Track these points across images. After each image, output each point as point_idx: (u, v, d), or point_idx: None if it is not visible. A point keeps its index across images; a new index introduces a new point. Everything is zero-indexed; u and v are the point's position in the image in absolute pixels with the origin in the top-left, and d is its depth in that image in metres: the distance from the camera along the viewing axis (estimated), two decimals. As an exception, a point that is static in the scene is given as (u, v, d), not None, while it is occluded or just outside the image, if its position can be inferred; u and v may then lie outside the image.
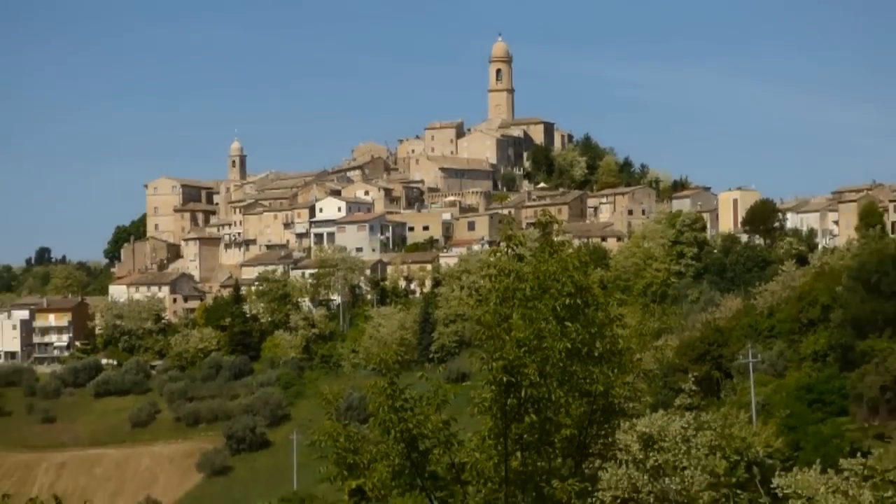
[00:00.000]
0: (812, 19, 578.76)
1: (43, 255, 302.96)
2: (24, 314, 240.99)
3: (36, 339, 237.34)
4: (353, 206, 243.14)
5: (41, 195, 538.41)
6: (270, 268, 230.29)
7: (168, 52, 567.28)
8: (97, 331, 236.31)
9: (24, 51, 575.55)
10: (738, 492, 44.47)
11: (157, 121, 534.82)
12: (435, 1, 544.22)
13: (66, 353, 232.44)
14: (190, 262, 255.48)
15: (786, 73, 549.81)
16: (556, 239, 27.84)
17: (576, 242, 39.62)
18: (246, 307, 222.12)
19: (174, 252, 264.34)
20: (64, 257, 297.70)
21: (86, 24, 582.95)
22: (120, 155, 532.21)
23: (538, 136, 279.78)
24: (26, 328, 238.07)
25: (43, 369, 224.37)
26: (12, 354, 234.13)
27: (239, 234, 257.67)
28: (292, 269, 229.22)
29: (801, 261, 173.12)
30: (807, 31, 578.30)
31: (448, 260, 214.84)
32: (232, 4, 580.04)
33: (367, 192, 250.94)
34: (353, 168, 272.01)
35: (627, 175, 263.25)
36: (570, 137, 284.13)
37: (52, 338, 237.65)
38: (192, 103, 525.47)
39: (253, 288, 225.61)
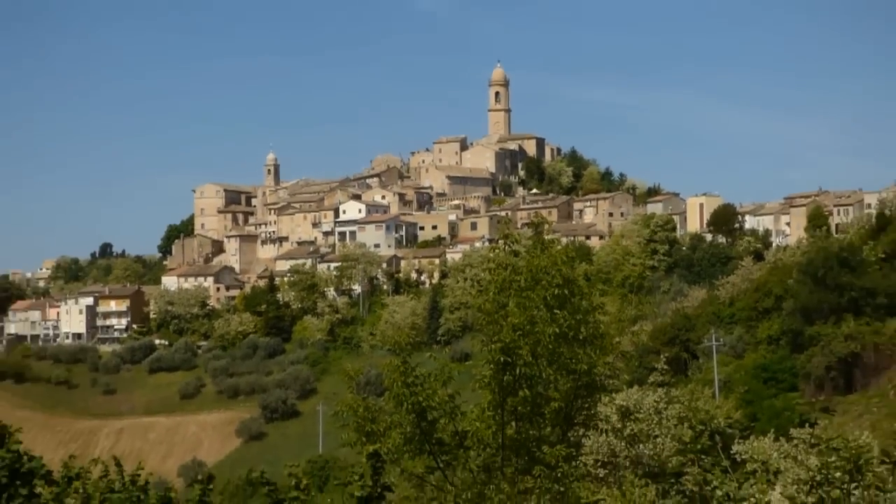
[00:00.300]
0: (770, 48, 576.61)
1: (105, 249, 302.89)
2: (89, 301, 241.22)
3: (99, 323, 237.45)
4: (371, 208, 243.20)
5: (105, 198, 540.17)
6: (300, 261, 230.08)
7: (213, 77, 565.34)
8: (151, 315, 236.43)
9: (93, 75, 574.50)
10: (702, 457, 44.16)
11: (204, 135, 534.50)
12: (443, 32, 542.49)
13: (124, 335, 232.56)
14: (231, 257, 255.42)
15: (746, 94, 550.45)
16: (546, 237, 27.84)
17: (563, 240, 39.15)
18: (279, 295, 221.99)
19: (217, 247, 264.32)
20: (123, 251, 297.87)
21: (151, 57, 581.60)
22: (172, 164, 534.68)
23: (531, 149, 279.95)
24: (91, 313, 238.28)
25: (105, 348, 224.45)
26: (79, 335, 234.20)
27: (273, 232, 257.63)
28: (319, 262, 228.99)
29: (758, 257, 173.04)
30: (766, 58, 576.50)
31: (453, 255, 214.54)
32: (266, 38, 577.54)
33: (383, 197, 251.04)
34: (372, 176, 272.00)
35: (608, 183, 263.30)
36: (559, 150, 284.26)
37: (113, 321, 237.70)
38: (234, 120, 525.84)
39: (285, 279, 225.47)
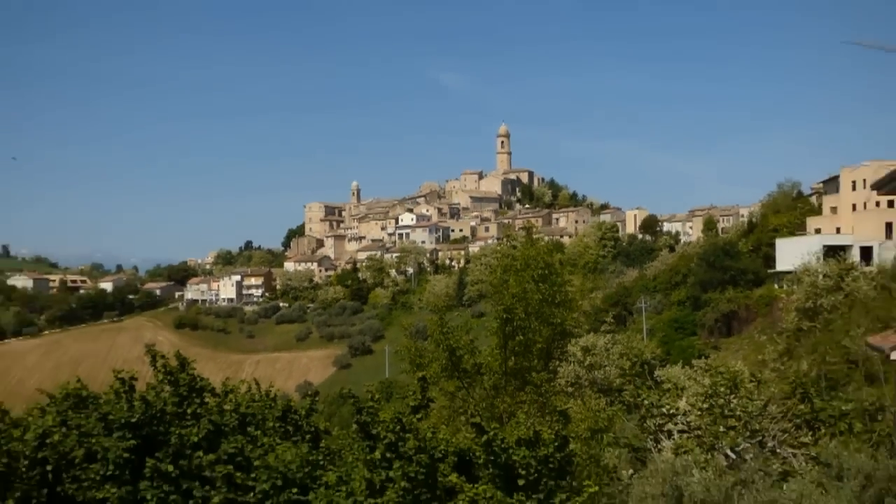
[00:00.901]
0: (678, 116, 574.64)
1: (249, 244, 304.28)
2: (238, 278, 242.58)
3: (244, 292, 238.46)
4: (419, 217, 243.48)
5: (248, 209, 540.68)
6: (373, 252, 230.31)
7: (317, 127, 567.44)
8: (277, 287, 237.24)
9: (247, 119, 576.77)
10: (636, 378, 44.13)
11: (311, 168, 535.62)
12: (465, 99, 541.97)
13: (260, 299, 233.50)
14: (329, 249, 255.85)
15: (665, 142, 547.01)
16: (534, 237, 27.88)
17: (545, 239, 39.48)
18: (359, 274, 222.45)
19: (320, 244, 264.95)
20: (259, 246, 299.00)
21: (273, 106, 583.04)
22: (291, 187, 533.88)
23: (525, 178, 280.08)
24: (238, 285, 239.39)
25: (248, 308, 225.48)
26: (231, 300, 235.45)
27: (356, 233, 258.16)
28: (385, 253, 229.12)
29: (671, 249, 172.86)
30: (679, 121, 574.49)
31: (473, 248, 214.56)
32: (349, 100, 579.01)
33: (427, 210, 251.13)
34: (420, 196, 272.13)
35: (575, 201, 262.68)
36: (543, 179, 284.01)
37: (253, 291, 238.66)
38: (332, 159, 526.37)
39: (363, 264, 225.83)
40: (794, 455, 24.91)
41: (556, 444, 13.29)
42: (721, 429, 25.96)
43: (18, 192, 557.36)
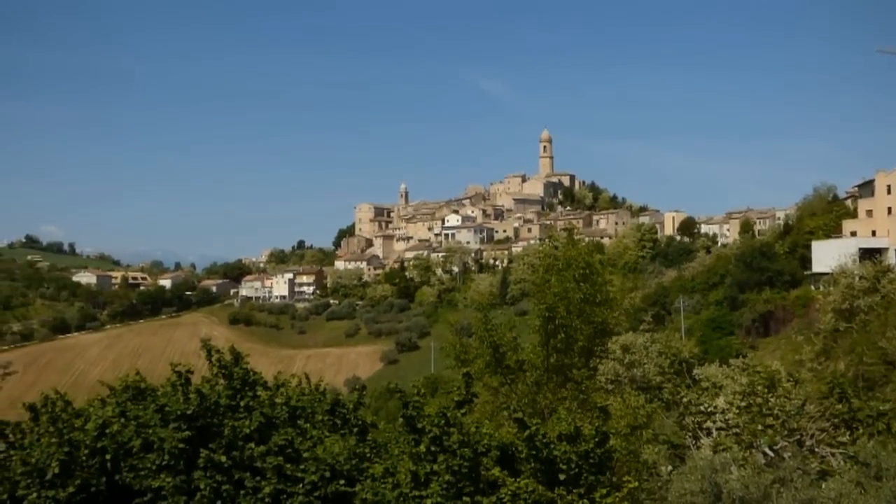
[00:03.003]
0: (718, 119, 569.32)
1: (301, 244, 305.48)
2: (290, 276, 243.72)
3: (296, 289, 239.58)
4: (465, 218, 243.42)
5: (302, 210, 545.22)
6: (420, 252, 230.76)
7: (373, 136, 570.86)
8: (328, 285, 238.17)
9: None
10: (674, 377, 43.72)
11: (362, 171, 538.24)
12: (508, 105, 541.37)
13: (311, 297, 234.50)
14: (377, 249, 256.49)
15: (701, 148, 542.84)
16: (575, 238, 27.69)
17: (586, 240, 39.03)
18: (407, 273, 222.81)
19: (369, 243, 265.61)
20: (311, 245, 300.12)
21: (335, 118, 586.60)
22: (342, 189, 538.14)
23: (567, 181, 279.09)
24: (290, 283, 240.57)
25: (300, 305, 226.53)
26: (283, 297, 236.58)
27: (404, 233, 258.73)
28: (432, 253, 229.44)
29: (709, 250, 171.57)
30: (714, 126, 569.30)
31: (516, 248, 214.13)
32: (397, 109, 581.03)
33: (472, 211, 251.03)
34: (466, 198, 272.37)
35: (615, 203, 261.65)
36: (584, 182, 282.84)
37: (304, 288, 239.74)
38: (382, 162, 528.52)
39: (411, 263, 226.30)
40: (833, 454, 24.48)
41: (597, 439, 13.18)
42: (759, 427, 25.56)
43: (84, 194, 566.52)
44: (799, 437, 25.51)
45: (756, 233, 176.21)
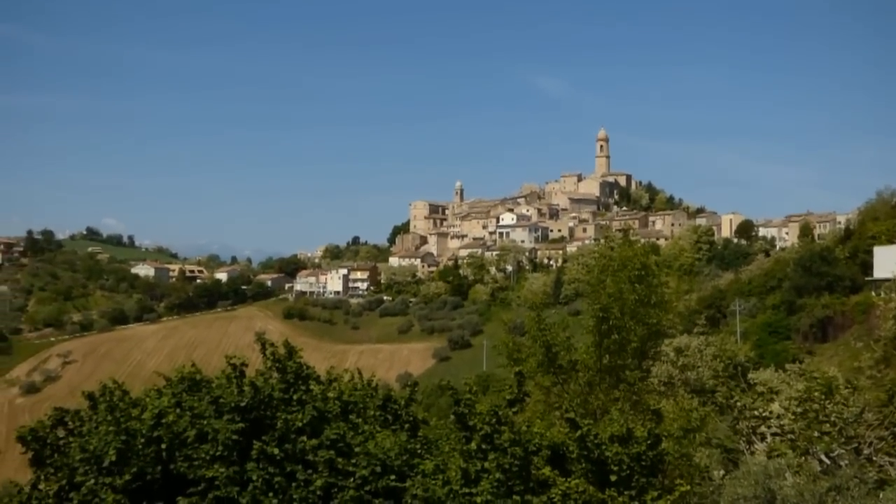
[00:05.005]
0: (782, 124, 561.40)
1: (356, 239, 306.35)
2: (345, 271, 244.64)
3: (350, 285, 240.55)
4: (519, 217, 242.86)
5: (357, 207, 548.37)
6: (474, 250, 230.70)
7: (427, 135, 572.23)
8: (382, 281, 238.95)
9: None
10: (729, 380, 43.33)
11: (417, 169, 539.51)
12: (563, 104, 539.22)
13: (365, 293, 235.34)
14: (432, 246, 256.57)
15: (758, 151, 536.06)
16: (631, 238, 27.61)
17: (642, 241, 38.20)
18: (460, 271, 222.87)
19: (423, 240, 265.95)
20: (366, 241, 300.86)
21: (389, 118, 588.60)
22: (397, 187, 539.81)
23: (623, 181, 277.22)
24: (345, 279, 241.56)
25: (353, 300, 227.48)
26: (337, 292, 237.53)
27: (458, 231, 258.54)
28: (486, 251, 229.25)
29: (767, 254, 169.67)
30: (776, 131, 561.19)
31: (571, 248, 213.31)
32: (451, 111, 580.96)
33: (527, 210, 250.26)
34: (521, 196, 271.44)
35: (671, 204, 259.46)
36: (640, 183, 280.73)
37: (359, 284, 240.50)
38: (437, 160, 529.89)
39: (465, 261, 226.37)
40: (891, 463, 24.09)
41: (649, 441, 13.11)
42: (815, 434, 25.22)
43: (143, 188, 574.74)
44: (856, 445, 25.14)
45: (816, 237, 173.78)
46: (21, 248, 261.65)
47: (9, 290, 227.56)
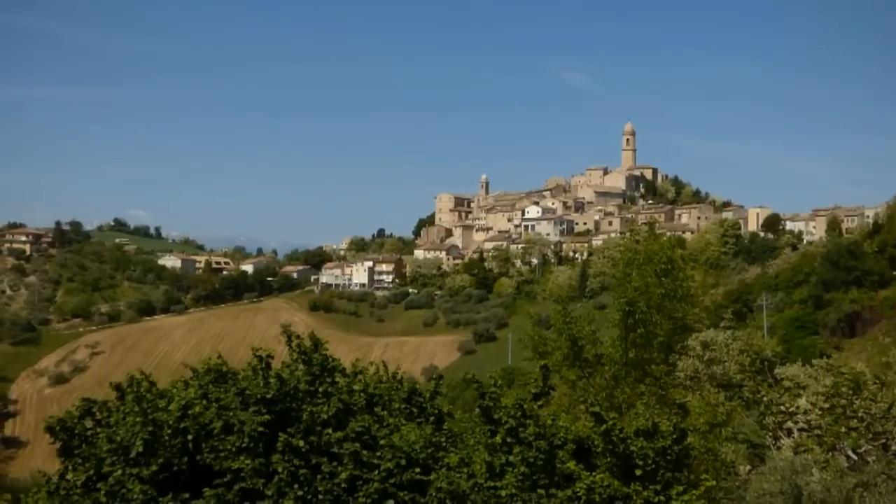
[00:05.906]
0: (810, 119, 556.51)
1: (381, 232, 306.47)
2: (370, 264, 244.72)
3: (375, 277, 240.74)
4: (545, 210, 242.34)
5: (382, 200, 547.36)
6: (500, 243, 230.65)
7: (451, 130, 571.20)
8: (407, 274, 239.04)
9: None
10: (755, 375, 43.08)
11: (443, 162, 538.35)
12: (590, 98, 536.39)
13: (390, 285, 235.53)
14: (457, 239, 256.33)
15: (785, 143, 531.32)
16: (657, 232, 27.47)
17: (668, 234, 38.56)
18: (486, 264, 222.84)
19: (448, 233, 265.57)
20: (391, 234, 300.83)
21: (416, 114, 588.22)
22: (422, 179, 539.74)
23: (649, 175, 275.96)
24: (370, 271, 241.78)
25: (379, 293, 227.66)
26: (363, 285, 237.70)
27: (484, 224, 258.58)
28: (511, 244, 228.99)
29: (794, 248, 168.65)
30: (802, 127, 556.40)
31: (596, 241, 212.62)
32: (481, 107, 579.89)
33: (553, 203, 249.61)
34: (546, 189, 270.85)
35: (697, 198, 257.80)
36: (666, 176, 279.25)
37: (384, 277, 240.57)
38: (462, 153, 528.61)
39: (490, 254, 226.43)
40: (919, 459, 23.85)
41: (675, 436, 13.06)
42: (843, 429, 25.00)
43: (170, 179, 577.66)
44: (884, 440, 24.91)
45: (844, 231, 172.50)
46: (49, 240, 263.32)
47: (37, 280, 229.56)
